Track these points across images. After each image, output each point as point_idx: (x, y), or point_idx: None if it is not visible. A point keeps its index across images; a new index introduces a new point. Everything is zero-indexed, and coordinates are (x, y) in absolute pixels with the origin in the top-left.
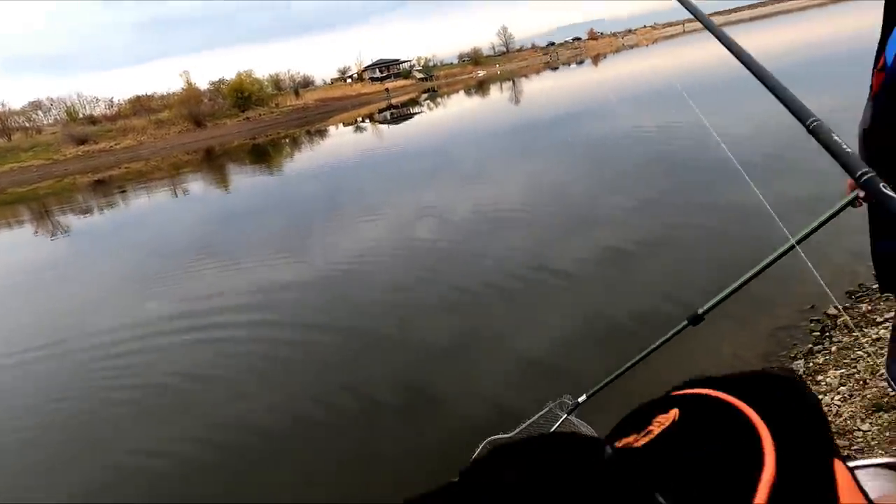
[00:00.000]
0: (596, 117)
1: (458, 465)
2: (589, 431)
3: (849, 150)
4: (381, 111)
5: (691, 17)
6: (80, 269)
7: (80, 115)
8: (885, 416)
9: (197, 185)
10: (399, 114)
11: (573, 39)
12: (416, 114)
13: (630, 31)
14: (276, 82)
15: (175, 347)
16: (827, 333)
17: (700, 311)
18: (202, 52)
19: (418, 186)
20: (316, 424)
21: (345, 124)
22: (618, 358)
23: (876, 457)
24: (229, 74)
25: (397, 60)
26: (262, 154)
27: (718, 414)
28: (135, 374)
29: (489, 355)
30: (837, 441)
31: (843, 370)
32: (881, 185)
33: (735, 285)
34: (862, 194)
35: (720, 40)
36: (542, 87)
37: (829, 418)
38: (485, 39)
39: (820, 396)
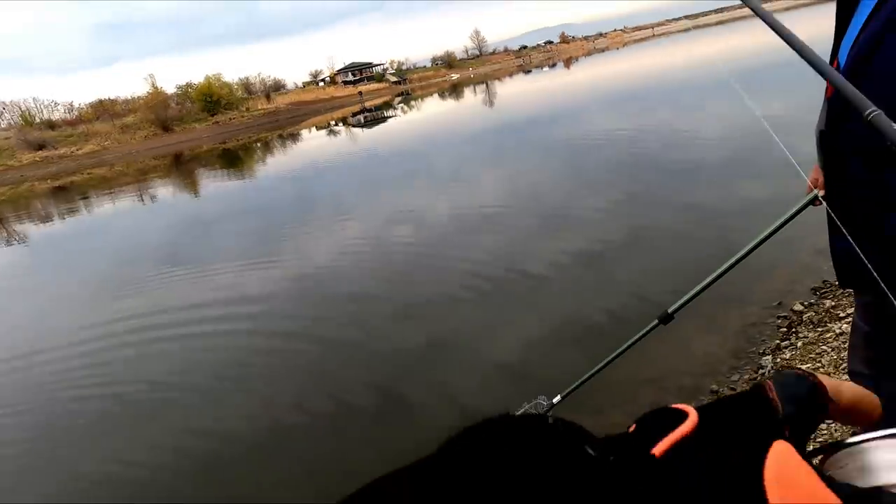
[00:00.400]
0: (569, 120)
1: None
2: None
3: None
4: (354, 115)
5: (660, 21)
6: (39, 279)
7: (37, 120)
8: None
9: (164, 191)
10: (373, 117)
11: (545, 43)
12: (390, 117)
13: (601, 34)
14: (247, 86)
15: (142, 355)
16: (793, 329)
17: (670, 310)
18: (168, 54)
19: (391, 190)
20: (287, 430)
21: (318, 128)
22: (591, 358)
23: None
24: (197, 78)
25: (370, 64)
26: (233, 159)
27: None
28: (99, 384)
29: (463, 359)
30: None
31: (808, 365)
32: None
33: (703, 284)
34: (821, 194)
35: (775, 30)
36: (514, 90)
37: None
38: (458, 43)
39: None
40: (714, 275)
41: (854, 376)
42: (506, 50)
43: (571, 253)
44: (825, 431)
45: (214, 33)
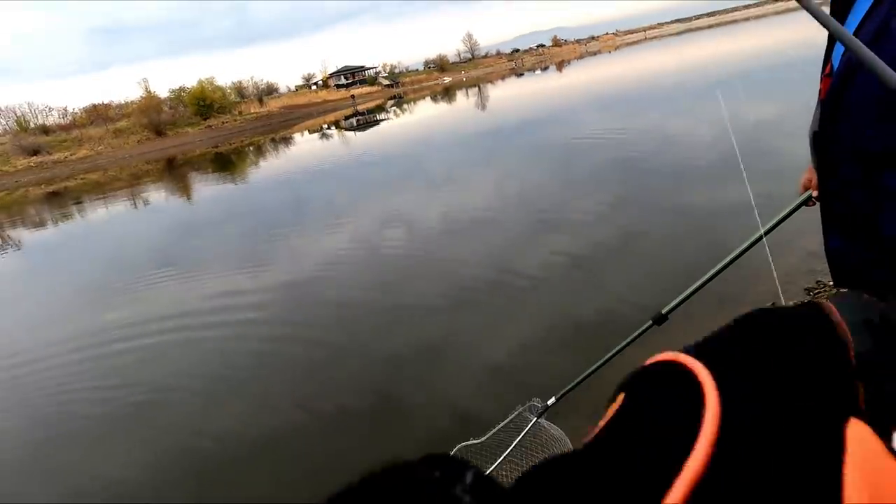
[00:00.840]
0: (559, 123)
1: None
2: (559, 434)
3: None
4: (347, 118)
5: (652, 24)
6: (30, 284)
7: (32, 125)
8: None
9: (157, 196)
10: (365, 120)
11: (537, 46)
12: (382, 120)
13: (593, 37)
14: (240, 89)
15: (136, 358)
16: None
17: (664, 310)
18: (162, 58)
19: (383, 194)
20: (281, 434)
21: (310, 131)
22: (585, 360)
23: None
24: (190, 82)
25: (363, 67)
26: (226, 162)
27: (663, 389)
28: (94, 388)
29: (458, 361)
30: None
31: None
32: None
33: (697, 284)
34: (815, 194)
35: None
36: (505, 94)
37: None
38: (450, 46)
39: None
40: (707, 275)
41: None
42: (498, 53)
43: (564, 255)
44: None
45: (207, 37)
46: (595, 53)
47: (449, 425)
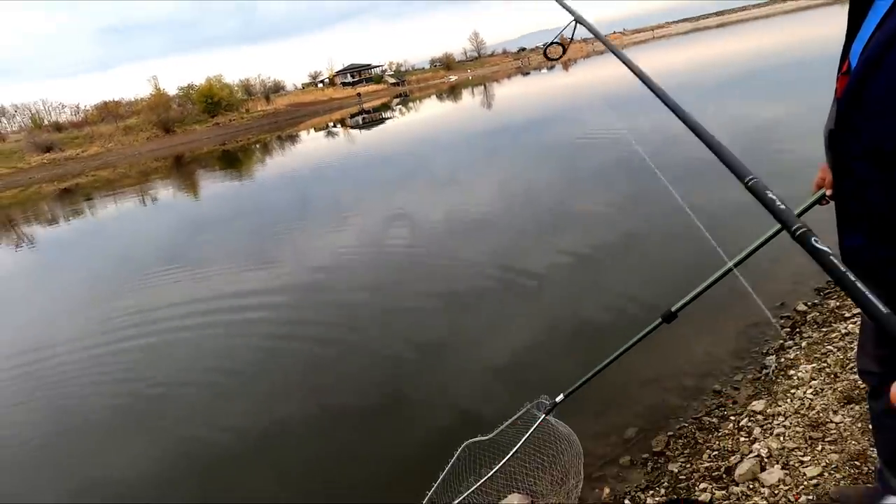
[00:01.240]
0: (563, 122)
1: (437, 468)
2: (567, 431)
3: (783, 206)
4: (352, 116)
5: (660, 23)
6: (39, 281)
7: (45, 122)
8: (857, 407)
9: (165, 193)
10: (371, 119)
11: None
12: (388, 118)
13: None
14: (247, 87)
15: (147, 353)
16: (797, 329)
17: (673, 308)
18: (170, 56)
19: (388, 193)
20: (292, 429)
21: (316, 129)
22: (594, 358)
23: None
24: (198, 79)
25: (369, 65)
26: (232, 160)
27: None
28: (104, 382)
29: (467, 358)
30: (811, 434)
31: (814, 364)
32: (813, 238)
33: (707, 282)
34: (829, 192)
35: (662, 99)
36: (510, 93)
37: (802, 412)
38: (457, 45)
39: (793, 390)
40: (718, 273)
41: (864, 375)
42: (504, 52)
43: (573, 253)
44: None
45: (215, 35)
46: (602, 52)
47: (456, 422)
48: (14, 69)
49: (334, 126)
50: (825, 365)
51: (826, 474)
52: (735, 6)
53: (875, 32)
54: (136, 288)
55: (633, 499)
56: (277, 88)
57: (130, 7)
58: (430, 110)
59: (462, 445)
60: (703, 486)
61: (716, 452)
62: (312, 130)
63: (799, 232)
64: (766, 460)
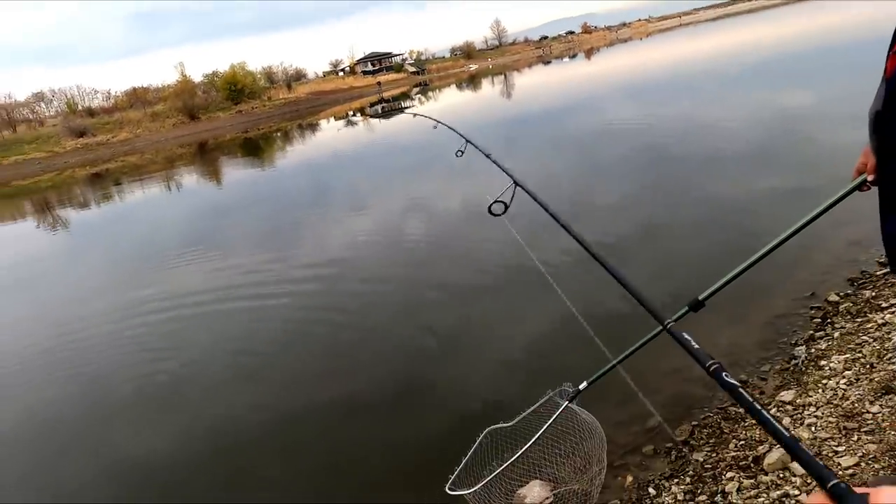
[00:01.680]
0: (580, 112)
1: (459, 454)
2: (590, 419)
3: (697, 346)
4: (372, 105)
5: (687, 10)
6: (81, 259)
7: (80, 108)
8: None
9: (189, 179)
10: (390, 108)
11: (566, 33)
12: (406, 108)
13: (625, 24)
14: (269, 75)
15: (170, 333)
16: (829, 320)
17: (701, 297)
18: (196, 42)
19: (407, 180)
20: (314, 411)
21: (336, 118)
22: (617, 345)
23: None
24: (223, 66)
25: (389, 54)
26: (254, 148)
27: None
28: (129, 363)
29: (487, 346)
30: (845, 424)
31: (847, 355)
32: (724, 374)
33: (738, 270)
34: (871, 178)
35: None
36: (530, 81)
37: (835, 402)
38: (478, 33)
39: (824, 381)
40: (750, 260)
41: None
42: (526, 40)
43: (597, 239)
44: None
45: (240, 22)
46: (626, 41)
47: (478, 409)
48: (54, 55)
49: (353, 115)
50: (860, 355)
51: (863, 464)
52: None
53: None
54: (160, 271)
55: (657, 487)
56: (299, 76)
57: None
58: (449, 99)
59: (484, 432)
60: (729, 475)
61: (742, 442)
62: (332, 119)
63: (713, 367)
64: None
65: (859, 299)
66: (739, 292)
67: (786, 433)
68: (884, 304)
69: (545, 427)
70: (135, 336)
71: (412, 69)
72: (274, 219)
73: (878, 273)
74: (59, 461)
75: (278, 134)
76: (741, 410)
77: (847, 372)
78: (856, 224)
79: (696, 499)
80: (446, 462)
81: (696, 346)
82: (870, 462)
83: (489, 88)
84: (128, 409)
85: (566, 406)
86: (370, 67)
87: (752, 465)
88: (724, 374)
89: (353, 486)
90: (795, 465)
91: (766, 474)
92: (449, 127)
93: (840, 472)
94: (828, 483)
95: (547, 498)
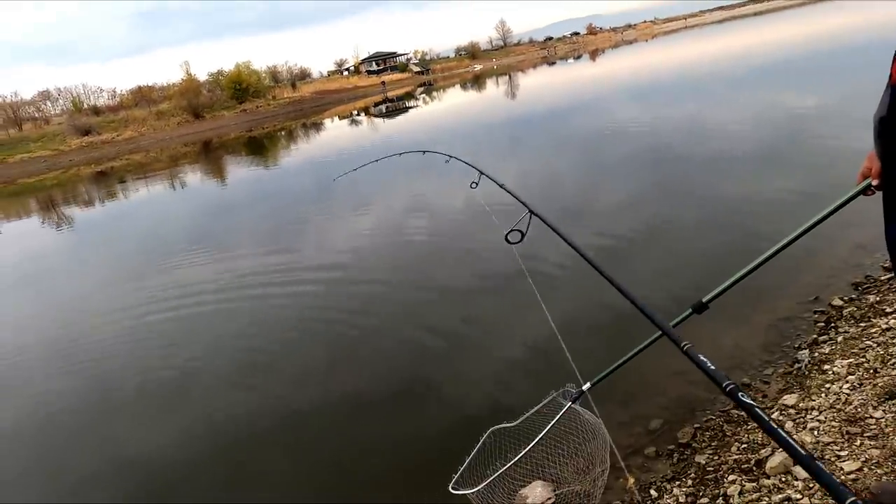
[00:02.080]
0: (578, 112)
1: (463, 453)
2: (594, 420)
3: (713, 367)
4: (376, 104)
5: (693, 12)
6: (84, 258)
7: (85, 106)
8: None
9: (193, 178)
10: (394, 107)
11: (571, 34)
12: (411, 107)
13: (630, 25)
14: (274, 74)
15: (175, 330)
16: (833, 324)
17: (704, 299)
18: (201, 41)
19: (410, 180)
20: (318, 410)
21: (340, 117)
22: (621, 346)
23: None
24: (227, 65)
25: (394, 53)
26: (258, 147)
27: None
28: (128, 361)
29: (491, 346)
30: (848, 428)
31: (850, 360)
32: (740, 394)
33: (741, 273)
34: (875, 182)
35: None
36: (534, 82)
37: (838, 406)
38: (482, 33)
39: (827, 385)
40: (753, 264)
41: None
42: (531, 41)
43: (602, 240)
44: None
45: (244, 21)
46: (631, 42)
47: (482, 409)
48: (55, 52)
49: (358, 114)
50: (864, 360)
51: (866, 469)
52: None
53: None
54: (164, 268)
55: (659, 489)
56: (303, 76)
57: None
58: (453, 100)
59: (488, 432)
60: (731, 478)
61: (745, 445)
62: (336, 118)
63: (729, 388)
64: None
65: (863, 304)
66: (743, 295)
67: (802, 451)
68: (888, 309)
69: (548, 427)
70: (139, 332)
71: (416, 69)
72: (276, 216)
73: (882, 278)
74: (62, 456)
75: (282, 133)
76: (743, 413)
77: (850, 376)
78: (860, 228)
79: (698, 501)
80: (449, 461)
81: (713, 366)
82: (872, 467)
83: (493, 89)
84: (131, 405)
85: (569, 407)
86: (374, 67)
87: (754, 468)
88: (740, 393)
89: (356, 484)
90: (798, 469)
91: (769, 478)
92: (463, 161)
93: (843, 478)
94: (845, 501)
95: (549, 498)
